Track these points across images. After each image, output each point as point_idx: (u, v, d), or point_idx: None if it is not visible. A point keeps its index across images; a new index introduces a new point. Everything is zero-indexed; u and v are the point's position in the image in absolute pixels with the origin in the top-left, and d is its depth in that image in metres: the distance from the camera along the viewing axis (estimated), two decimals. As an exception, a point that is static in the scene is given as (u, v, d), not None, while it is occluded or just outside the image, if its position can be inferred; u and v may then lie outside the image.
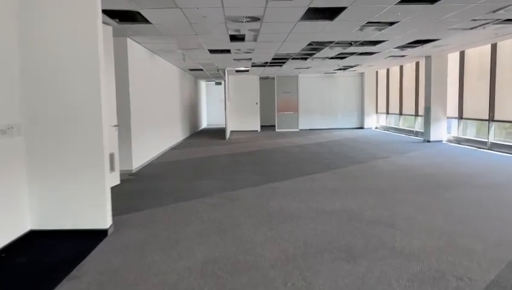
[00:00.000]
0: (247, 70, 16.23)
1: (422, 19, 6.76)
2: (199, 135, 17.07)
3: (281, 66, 14.51)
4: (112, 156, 6.48)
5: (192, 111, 18.05)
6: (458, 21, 6.91)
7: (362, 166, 8.30)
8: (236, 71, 16.29)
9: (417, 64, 14.31)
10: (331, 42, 9.12)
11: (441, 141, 12.18)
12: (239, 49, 10.06)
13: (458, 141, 11.70)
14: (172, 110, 12.70)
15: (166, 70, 11.94)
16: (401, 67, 15.69)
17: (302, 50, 10.42)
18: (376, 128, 18.64)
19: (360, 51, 10.76)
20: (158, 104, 10.55)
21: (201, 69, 15.07)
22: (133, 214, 4.99)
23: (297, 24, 6.89)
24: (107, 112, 4.50)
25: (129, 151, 7.94)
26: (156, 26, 6.89)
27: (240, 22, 6.60)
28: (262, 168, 8.31)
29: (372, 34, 8.02)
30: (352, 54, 11.29)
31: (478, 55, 10.89)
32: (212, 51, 10.22)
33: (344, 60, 12.73)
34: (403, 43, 9.46)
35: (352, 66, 15.37)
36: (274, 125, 19.31)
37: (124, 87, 7.79)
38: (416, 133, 14.35)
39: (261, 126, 19.08)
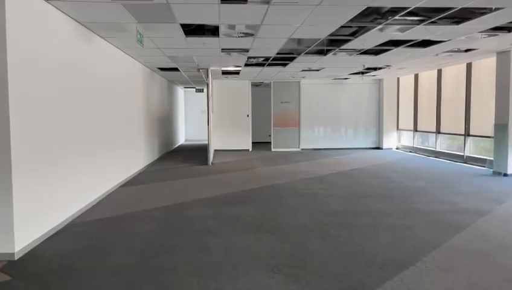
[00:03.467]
0: (237, 73, 12.25)
1: None
2: (173, 157, 12.90)
3: (285, 65, 10.57)
4: None
5: (165, 124, 13.90)
6: None
7: (484, 243, 4.33)
8: (223, 73, 12.29)
9: (468, 66, 10.60)
10: (402, 10, 5.18)
11: (523, 174, 8.40)
12: (233, 27, 6.06)
13: (553, 175, 7.93)
14: (130, 125, 8.56)
15: (119, 65, 7.83)
16: (440, 72, 11.98)
17: (338, 30, 6.47)
18: (397, 148, 14.85)
19: (422, 38, 6.92)
20: (99, 116, 6.41)
21: (176, 69, 11.01)
22: None
23: None
24: None
25: (6, 215, 3.78)
26: None
27: None
28: (279, 247, 4.23)
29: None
30: (404, 43, 7.43)
31: None
32: (188, 30, 6.20)
33: (380, 55, 8.88)
34: (507, 20, 5.64)
35: (377, 69, 11.57)
36: (268, 143, 15.42)
37: (-7, 81, 3.67)
38: (466, 159, 10.58)
39: (252, 143, 15.06)
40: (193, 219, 5.25)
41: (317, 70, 11.75)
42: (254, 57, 9.19)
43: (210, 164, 10.81)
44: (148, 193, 7.07)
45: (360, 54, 8.64)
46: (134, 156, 8.97)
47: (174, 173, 9.45)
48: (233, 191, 7.14)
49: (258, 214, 5.53)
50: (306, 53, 8.59)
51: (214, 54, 8.43)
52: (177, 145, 17.10)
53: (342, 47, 7.76)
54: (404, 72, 12.88)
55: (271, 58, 9.37)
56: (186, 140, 20.40)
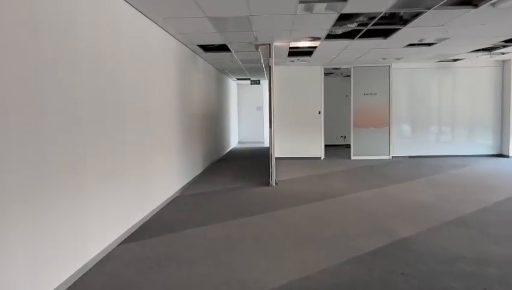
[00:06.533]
0: (309, 53, 8.73)
1: None
2: (222, 169, 9.65)
3: (390, 35, 6.88)
4: None
5: (214, 126, 10.71)
6: None
7: None
8: (290, 54, 8.81)
9: None
10: None
11: None
12: None
13: None
14: (152, 133, 5.34)
15: (131, 35, 4.58)
16: None
17: None
18: (531, 156, 10.59)
19: None
20: (85, 121, 3.23)
21: (225, 48, 7.70)
22: None
23: None
24: None
25: None
26: None
27: None
28: None
29: None
30: None
31: None
32: None
33: None
34: None
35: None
36: (340, 146, 12.41)
37: None
38: None
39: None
40: None
41: (429, 44, 7.94)
42: (349, 17, 5.64)
43: (273, 184, 7.41)
44: (167, 261, 3.75)
45: (546, 1, 4.79)
46: (159, 180, 5.74)
47: (220, 204, 6.10)
48: (333, 262, 3.63)
49: None
50: (443, 4, 4.91)
51: (286, 10, 4.99)
52: (228, 150, 13.92)
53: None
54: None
55: (372, 23, 5.78)
56: (239, 142, 17.22)
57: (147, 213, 5.09)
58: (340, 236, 4.36)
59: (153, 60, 5.53)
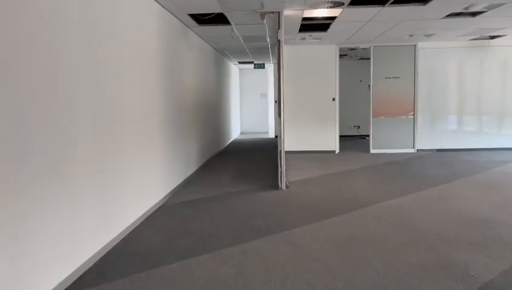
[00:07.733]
0: (324, 27, 7.27)
1: None
2: (221, 165, 8.24)
3: (428, 1, 5.42)
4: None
5: (212, 116, 9.27)
6: None
7: None
8: (302, 29, 7.33)
9: None
10: None
11: None
12: None
13: None
14: (121, 126, 3.93)
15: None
16: None
17: None
18: None
19: None
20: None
21: (223, 18, 6.24)
22: None
23: None
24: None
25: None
26: None
27: None
28: None
29: None
30: None
31: None
32: None
33: None
34: None
35: None
36: (352, 137, 11.58)
37: None
38: None
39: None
40: None
41: (474, 14, 6.46)
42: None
43: (283, 187, 6.00)
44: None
45: None
46: (134, 188, 4.34)
47: (216, 217, 4.68)
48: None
49: None
50: None
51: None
52: (230, 142, 12.50)
53: None
54: None
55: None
56: (242, 133, 15.80)
57: (111, 238, 3.69)
58: (389, 278, 2.96)
59: (122, 28, 4.08)
